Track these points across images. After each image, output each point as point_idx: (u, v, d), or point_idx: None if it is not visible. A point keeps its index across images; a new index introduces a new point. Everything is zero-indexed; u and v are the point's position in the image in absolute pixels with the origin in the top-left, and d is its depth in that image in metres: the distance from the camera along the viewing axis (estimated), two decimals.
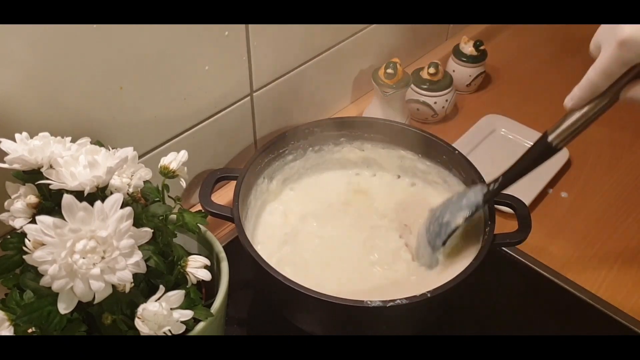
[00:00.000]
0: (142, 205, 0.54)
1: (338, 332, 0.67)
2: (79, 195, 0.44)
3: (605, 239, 0.84)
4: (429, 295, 0.59)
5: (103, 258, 0.43)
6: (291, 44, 0.80)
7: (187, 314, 0.50)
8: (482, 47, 1.04)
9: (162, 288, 0.50)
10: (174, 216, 0.56)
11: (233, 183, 0.71)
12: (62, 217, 0.42)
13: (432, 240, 0.69)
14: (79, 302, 0.44)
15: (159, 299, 0.49)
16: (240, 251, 0.65)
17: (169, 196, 0.57)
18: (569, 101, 0.53)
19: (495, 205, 0.68)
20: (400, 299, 0.58)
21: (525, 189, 0.84)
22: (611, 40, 0.47)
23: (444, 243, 0.68)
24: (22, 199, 0.49)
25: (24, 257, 0.45)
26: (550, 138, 0.56)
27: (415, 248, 0.73)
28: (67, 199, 0.42)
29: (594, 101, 0.51)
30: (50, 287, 0.43)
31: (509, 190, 0.72)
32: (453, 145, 0.77)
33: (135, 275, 0.45)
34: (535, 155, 0.60)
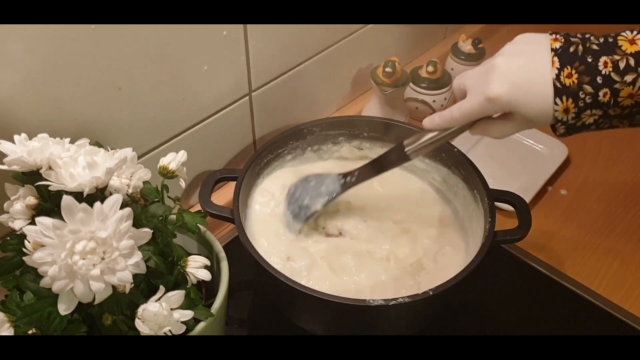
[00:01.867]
0: (142, 205, 0.54)
1: (339, 331, 0.67)
2: (78, 196, 0.44)
3: (605, 236, 0.84)
4: (431, 293, 0.59)
5: (103, 259, 0.43)
6: (289, 43, 0.80)
7: (188, 314, 0.50)
8: (480, 45, 1.04)
9: (162, 288, 0.50)
10: (173, 216, 0.56)
11: (233, 183, 0.71)
12: (62, 218, 0.42)
13: (290, 220, 0.74)
14: (79, 303, 0.44)
15: (159, 299, 0.49)
16: (240, 251, 0.65)
17: (168, 196, 0.57)
18: (428, 123, 0.62)
19: (496, 203, 0.69)
20: (402, 298, 0.58)
21: (525, 187, 0.84)
22: (479, 92, 0.56)
23: (305, 221, 0.74)
24: (22, 201, 0.49)
25: (24, 258, 0.45)
26: (406, 149, 0.64)
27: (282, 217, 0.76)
28: (66, 200, 0.42)
29: (448, 129, 0.61)
30: (50, 289, 0.43)
31: (509, 189, 0.72)
32: (452, 143, 0.77)
33: (135, 276, 0.45)
34: (391, 160, 0.67)
